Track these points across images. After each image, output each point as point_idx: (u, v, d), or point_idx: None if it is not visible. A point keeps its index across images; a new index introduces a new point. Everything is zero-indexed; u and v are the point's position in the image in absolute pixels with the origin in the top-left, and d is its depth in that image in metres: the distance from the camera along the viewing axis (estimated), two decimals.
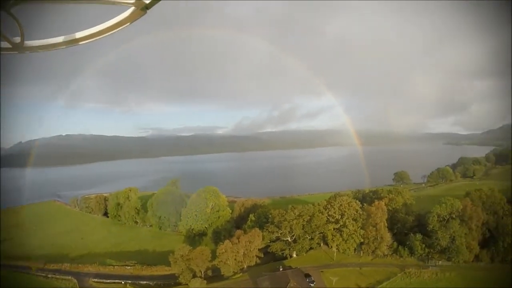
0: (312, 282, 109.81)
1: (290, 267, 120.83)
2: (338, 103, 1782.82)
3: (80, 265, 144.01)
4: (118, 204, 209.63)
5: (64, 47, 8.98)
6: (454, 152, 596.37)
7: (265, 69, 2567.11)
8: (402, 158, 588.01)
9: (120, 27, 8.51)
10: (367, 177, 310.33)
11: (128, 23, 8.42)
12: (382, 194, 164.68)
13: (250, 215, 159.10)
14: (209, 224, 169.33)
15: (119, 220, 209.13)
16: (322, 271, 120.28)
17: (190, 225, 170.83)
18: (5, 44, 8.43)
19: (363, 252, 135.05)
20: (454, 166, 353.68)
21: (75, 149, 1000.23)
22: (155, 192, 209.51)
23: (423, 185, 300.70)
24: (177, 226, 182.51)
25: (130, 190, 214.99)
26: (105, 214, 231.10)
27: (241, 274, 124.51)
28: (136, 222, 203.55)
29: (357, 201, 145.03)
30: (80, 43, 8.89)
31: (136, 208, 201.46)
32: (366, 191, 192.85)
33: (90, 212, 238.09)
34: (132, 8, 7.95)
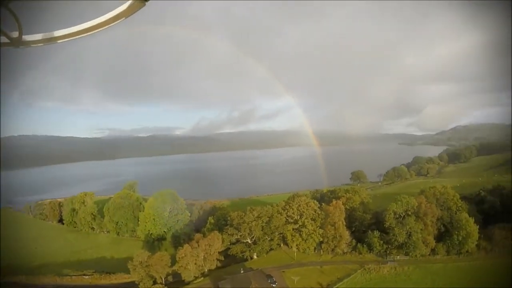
0: (274, 282, 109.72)
1: (251, 269, 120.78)
2: (296, 104, 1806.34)
3: (36, 277, 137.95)
4: (74, 209, 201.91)
5: (62, 41, 9.02)
6: (409, 152, 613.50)
7: (224, 69, 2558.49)
8: (359, 158, 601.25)
9: (119, 20, 8.52)
10: (325, 177, 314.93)
11: (127, 16, 8.46)
12: (339, 194, 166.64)
13: (209, 217, 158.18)
14: (168, 228, 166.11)
15: (75, 227, 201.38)
16: (283, 271, 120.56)
17: (149, 230, 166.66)
18: (3, 39, 8.50)
19: (323, 251, 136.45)
20: (409, 165, 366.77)
21: (28, 151, 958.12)
22: (112, 196, 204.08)
23: (380, 183, 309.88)
24: (135, 231, 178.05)
25: (86, 195, 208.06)
26: (60, 220, 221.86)
27: (202, 278, 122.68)
28: (93, 228, 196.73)
29: (315, 201, 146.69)
30: (79, 36, 8.89)
31: (92, 213, 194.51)
32: (324, 191, 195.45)
33: (44, 219, 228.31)
34: (130, 1, 8.03)
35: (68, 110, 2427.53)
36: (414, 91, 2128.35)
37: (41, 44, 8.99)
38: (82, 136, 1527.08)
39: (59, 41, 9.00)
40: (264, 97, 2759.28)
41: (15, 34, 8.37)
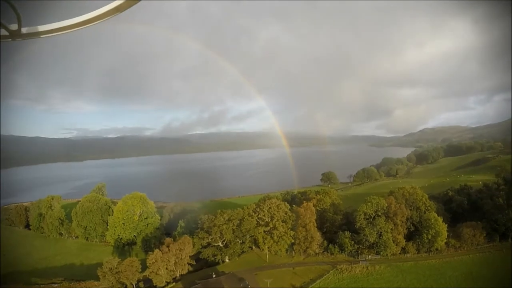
0: (247, 286, 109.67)
1: (223, 273, 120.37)
2: (267, 106, 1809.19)
3: (3, 286, 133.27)
4: (40, 214, 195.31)
5: (61, 33, 8.96)
6: (378, 153, 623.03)
7: (196, 70, 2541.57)
8: (329, 159, 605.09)
9: (117, 13, 8.44)
10: (295, 178, 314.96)
11: (125, 9, 8.36)
12: (310, 195, 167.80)
13: (180, 221, 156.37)
14: (138, 233, 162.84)
15: (42, 232, 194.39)
16: (256, 274, 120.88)
17: (118, 235, 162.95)
18: (2, 32, 8.44)
19: (295, 252, 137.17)
20: (378, 166, 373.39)
21: None
22: (80, 199, 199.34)
23: (350, 184, 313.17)
24: (105, 236, 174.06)
25: (53, 199, 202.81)
26: (27, 226, 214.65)
27: (174, 283, 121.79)
28: (61, 234, 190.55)
29: (286, 203, 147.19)
30: (76, 29, 8.84)
31: (60, 218, 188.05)
32: (295, 192, 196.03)
33: (10, 225, 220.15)
34: None
35: (34, 109, 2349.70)
36: (384, 94, 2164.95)
37: (39, 37, 8.91)
38: (49, 137, 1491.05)
39: (57, 34, 8.93)
40: (235, 98, 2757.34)
41: (14, 27, 8.33)
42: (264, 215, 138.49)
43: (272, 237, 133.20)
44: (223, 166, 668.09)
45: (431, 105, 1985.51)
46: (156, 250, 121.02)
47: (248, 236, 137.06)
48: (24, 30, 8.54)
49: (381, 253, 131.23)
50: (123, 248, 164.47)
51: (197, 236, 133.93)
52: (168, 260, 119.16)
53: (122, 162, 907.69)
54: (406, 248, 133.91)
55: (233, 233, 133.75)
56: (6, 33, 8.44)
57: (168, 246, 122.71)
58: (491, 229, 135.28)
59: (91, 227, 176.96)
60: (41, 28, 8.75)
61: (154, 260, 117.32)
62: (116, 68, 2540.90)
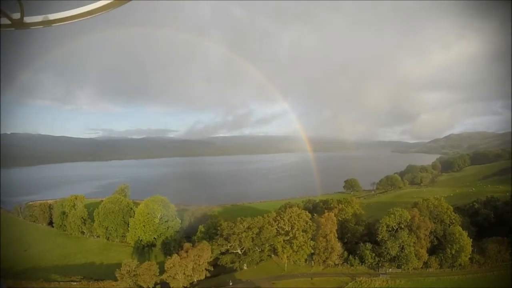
0: None
1: (240, 281, 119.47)
2: (291, 110, 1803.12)
3: (23, 281, 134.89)
4: (64, 213, 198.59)
5: (64, 23, 8.99)
6: (402, 160, 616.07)
7: (220, 73, 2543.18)
8: (353, 164, 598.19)
9: (122, 4, 8.45)
10: (318, 184, 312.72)
11: (129, 0, 8.35)
12: (332, 204, 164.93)
13: (200, 226, 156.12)
14: (158, 235, 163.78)
15: (65, 230, 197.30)
16: (273, 283, 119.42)
17: (138, 236, 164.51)
18: (4, 21, 8.49)
19: (314, 262, 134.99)
20: (402, 174, 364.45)
21: (20, 149, 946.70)
22: (103, 199, 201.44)
23: (373, 192, 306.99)
24: (125, 237, 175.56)
25: (76, 198, 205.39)
26: (50, 223, 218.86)
27: None
28: (83, 233, 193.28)
29: (307, 212, 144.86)
30: (80, 19, 8.87)
31: (82, 217, 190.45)
32: (317, 201, 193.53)
33: (34, 221, 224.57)
34: None
35: (62, 109, 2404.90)
36: (409, 98, 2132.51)
37: (41, 26, 8.99)
38: (75, 136, 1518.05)
39: (60, 24, 9.00)
40: (259, 101, 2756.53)
41: (17, 16, 8.40)
42: (284, 224, 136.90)
43: (291, 247, 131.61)
44: (245, 169, 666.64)
45: (457, 109, 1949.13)
46: (175, 255, 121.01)
47: (267, 244, 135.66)
48: (26, 19, 8.64)
49: (402, 266, 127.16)
50: (143, 250, 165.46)
51: (216, 242, 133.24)
52: (186, 265, 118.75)
53: (146, 163, 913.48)
54: (429, 263, 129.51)
55: (252, 241, 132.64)
56: (9, 22, 8.50)
57: (186, 252, 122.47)
58: None
59: (112, 227, 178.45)
60: (44, 17, 8.82)
61: (172, 265, 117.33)
62: (141, 71, 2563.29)
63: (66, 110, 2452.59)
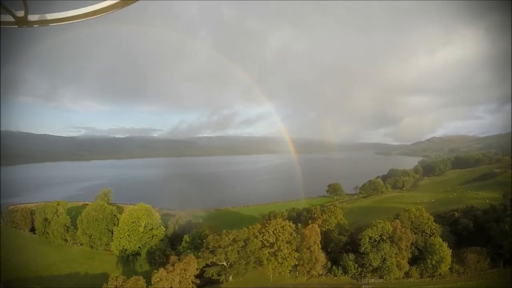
0: None
1: None
2: (275, 111, 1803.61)
3: None
4: (46, 219, 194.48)
5: (68, 22, 9.08)
6: (385, 162, 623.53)
7: (205, 72, 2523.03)
8: (336, 166, 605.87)
9: (124, 5, 8.65)
10: (302, 187, 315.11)
11: (132, 2, 8.64)
12: (316, 214, 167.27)
13: (185, 236, 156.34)
14: (142, 244, 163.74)
15: (47, 238, 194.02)
16: None
17: (123, 246, 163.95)
18: (8, 18, 8.63)
19: (298, 273, 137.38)
20: (385, 178, 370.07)
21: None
22: (86, 203, 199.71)
23: (356, 196, 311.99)
24: (109, 245, 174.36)
25: (59, 204, 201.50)
26: (32, 229, 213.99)
27: None
28: (66, 240, 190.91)
29: (291, 223, 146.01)
30: (85, 19, 8.98)
31: (65, 225, 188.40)
32: (300, 209, 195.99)
33: (15, 227, 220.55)
34: None
35: (43, 106, 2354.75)
36: (393, 102, 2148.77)
37: (46, 25, 9.11)
38: (57, 134, 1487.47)
39: (64, 23, 9.10)
40: (244, 102, 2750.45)
41: (21, 14, 8.49)
42: (269, 236, 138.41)
43: (276, 259, 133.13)
44: (229, 171, 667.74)
45: (440, 113, 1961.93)
46: (161, 269, 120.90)
47: (252, 257, 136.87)
48: (30, 17, 8.71)
49: (385, 277, 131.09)
50: (127, 259, 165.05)
51: (202, 255, 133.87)
52: (173, 279, 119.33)
53: (129, 164, 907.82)
54: (410, 273, 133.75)
55: (238, 254, 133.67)
56: (12, 20, 8.60)
57: (173, 265, 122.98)
58: (495, 254, 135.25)
59: (96, 236, 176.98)
60: (48, 16, 8.92)
61: (158, 279, 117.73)
62: (126, 69, 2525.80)
63: (48, 108, 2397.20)
